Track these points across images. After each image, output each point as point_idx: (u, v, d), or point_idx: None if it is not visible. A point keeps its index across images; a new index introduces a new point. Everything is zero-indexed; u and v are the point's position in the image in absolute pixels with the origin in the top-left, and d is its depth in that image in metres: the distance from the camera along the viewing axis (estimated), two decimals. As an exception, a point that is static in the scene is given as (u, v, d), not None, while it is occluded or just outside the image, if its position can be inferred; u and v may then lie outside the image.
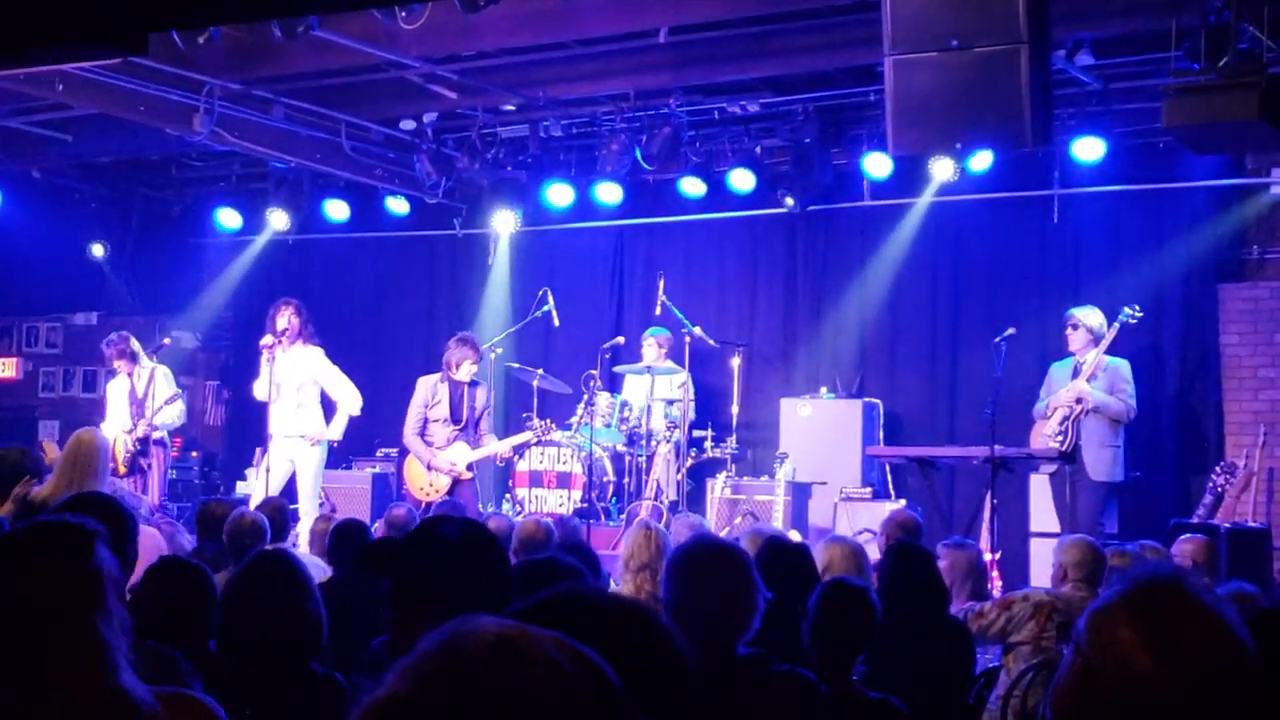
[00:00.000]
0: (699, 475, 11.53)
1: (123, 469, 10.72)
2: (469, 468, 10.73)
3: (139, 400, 11.01)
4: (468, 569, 3.06)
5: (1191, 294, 10.99)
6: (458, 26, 8.95)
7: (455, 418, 10.75)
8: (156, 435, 10.96)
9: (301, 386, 10.75)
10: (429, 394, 10.85)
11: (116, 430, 10.86)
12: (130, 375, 11.11)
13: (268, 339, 10.63)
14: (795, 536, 8.20)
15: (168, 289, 14.53)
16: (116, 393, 11.17)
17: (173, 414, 11.01)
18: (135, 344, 11.22)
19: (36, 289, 14.90)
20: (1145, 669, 1.86)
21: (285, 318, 10.70)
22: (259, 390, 10.74)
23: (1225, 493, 9.72)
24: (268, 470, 10.53)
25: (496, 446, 10.94)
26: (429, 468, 10.72)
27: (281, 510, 7.83)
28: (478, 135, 11.71)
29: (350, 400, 10.88)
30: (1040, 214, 11.33)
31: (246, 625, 3.82)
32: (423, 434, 10.81)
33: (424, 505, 10.19)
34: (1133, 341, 10.13)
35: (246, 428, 12.03)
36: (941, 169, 10.95)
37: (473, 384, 10.86)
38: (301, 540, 8.82)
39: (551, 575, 4.11)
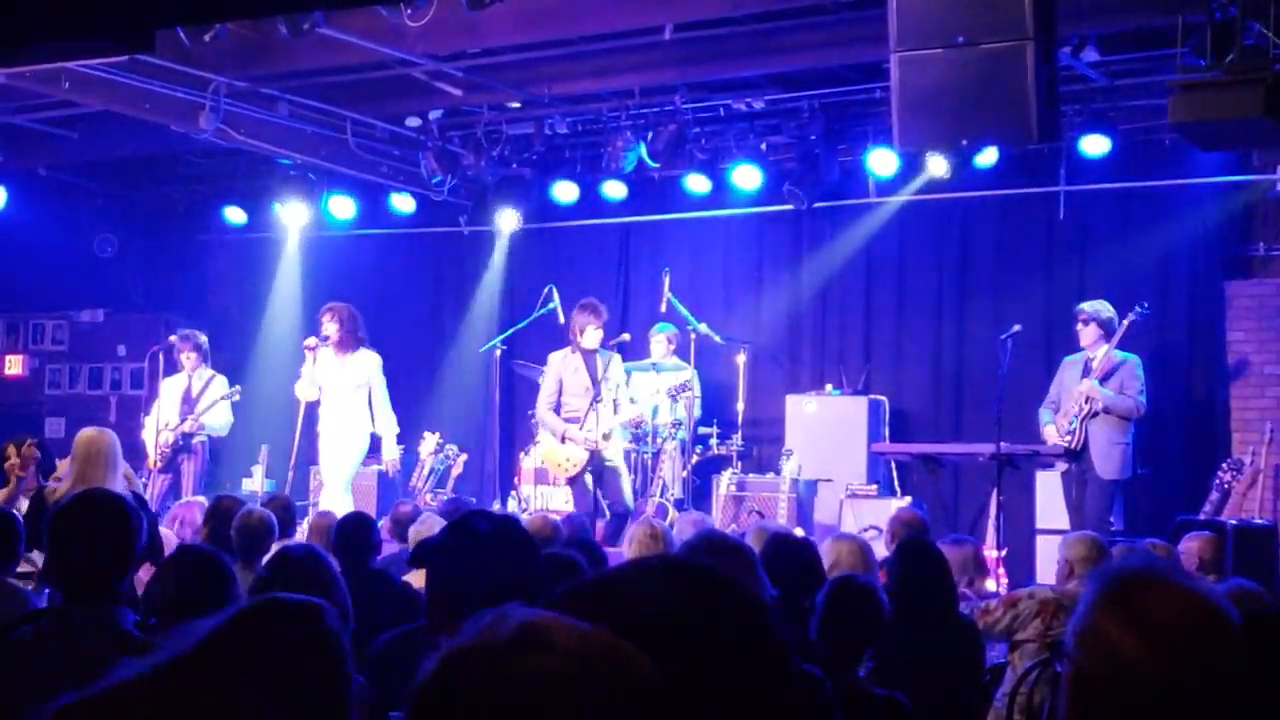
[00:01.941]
0: (704, 472, 11.53)
1: (155, 463, 10.78)
2: (605, 437, 10.42)
3: (192, 399, 11.08)
4: (496, 563, 3.16)
5: (1198, 291, 10.98)
6: (463, 24, 8.95)
7: (595, 387, 10.49)
8: (198, 438, 11.02)
9: (355, 389, 10.78)
10: (562, 366, 10.65)
11: (158, 424, 10.90)
12: (191, 374, 11.18)
13: (311, 340, 10.69)
14: (799, 533, 8.20)
15: (173, 286, 14.55)
16: (171, 389, 11.22)
17: (221, 417, 11.13)
18: (205, 343, 11.37)
19: (43, 286, 14.91)
20: (1133, 655, 1.88)
21: (323, 324, 10.72)
22: (300, 390, 10.77)
23: (1232, 490, 9.71)
24: (293, 470, 10.55)
25: (632, 411, 10.66)
26: (563, 440, 10.54)
27: (287, 507, 7.85)
28: (483, 132, 11.72)
29: (384, 425, 10.87)
30: (1046, 210, 11.32)
31: None
32: (558, 410, 10.59)
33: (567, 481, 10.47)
34: (1139, 338, 10.11)
35: (252, 425, 12.04)
36: (936, 166, 10.94)
37: (603, 352, 10.64)
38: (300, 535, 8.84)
39: (551, 571, 4.14)
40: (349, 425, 10.74)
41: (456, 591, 3.17)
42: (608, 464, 10.42)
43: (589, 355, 10.60)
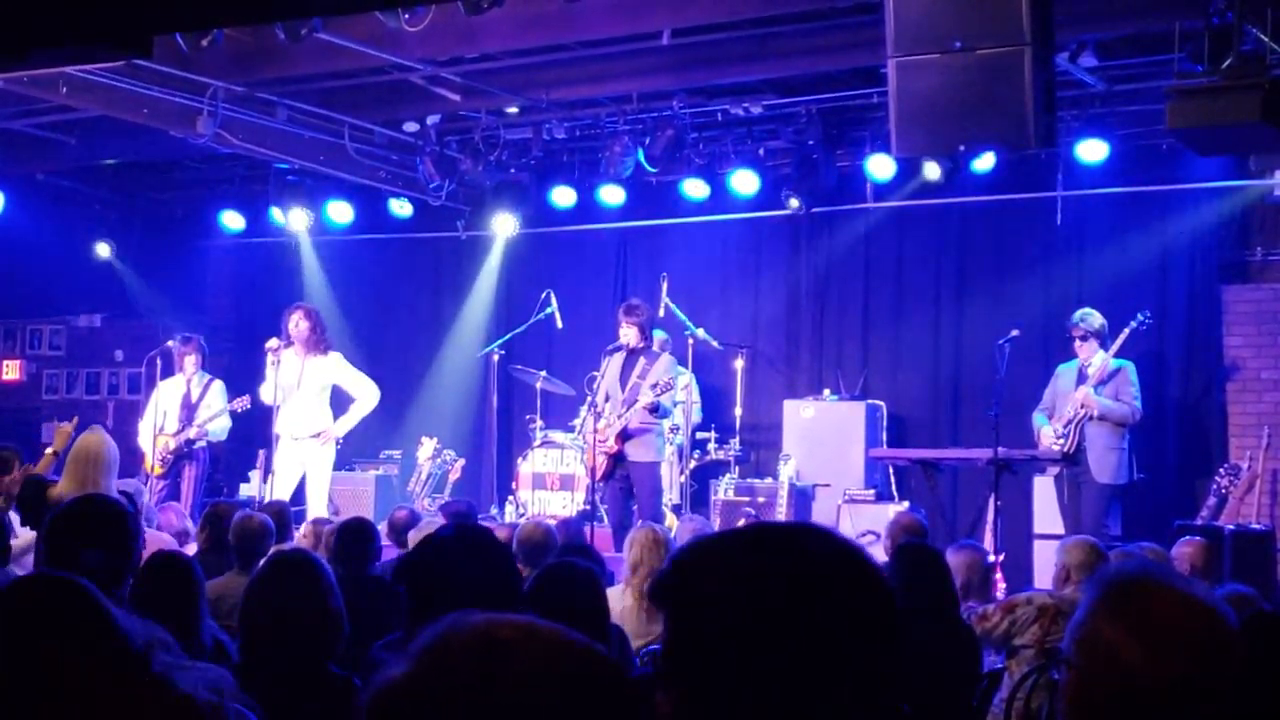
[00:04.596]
0: (702, 477, 11.54)
1: (158, 469, 10.78)
2: (622, 437, 10.13)
3: (191, 405, 11.07)
4: (463, 570, 3.21)
5: (1195, 296, 10.98)
6: (461, 29, 8.96)
7: (623, 387, 10.25)
8: (200, 444, 11.03)
9: (321, 392, 10.78)
10: (605, 368, 10.43)
11: (156, 428, 10.88)
12: (190, 378, 11.18)
13: (273, 342, 10.65)
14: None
15: (171, 291, 14.55)
16: (169, 393, 11.17)
17: (222, 421, 11.14)
18: (205, 347, 11.41)
19: (40, 291, 14.91)
20: (1136, 659, 1.89)
21: (294, 322, 10.72)
22: (265, 393, 10.76)
23: (1229, 494, 9.72)
24: (272, 472, 10.56)
25: (631, 416, 10.15)
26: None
27: (284, 512, 7.85)
28: (481, 137, 11.72)
29: (369, 396, 10.93)
30: (1043, 216, 11.33)
31: (269, 625, 3.83)
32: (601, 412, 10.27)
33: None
34: (1137, 344, 10.12)
35: (249, 430, 12.04)
36: (930, 170, 10.96)
37: (650, 353, 10.34)
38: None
39: (567, 580, 4.16)
40: (312, 429, 10.74)
41: (432, 603, 3.21)
42: (634, 466, 10.20)
43: (631, 356, 10.35)
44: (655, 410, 10.09)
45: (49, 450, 7.93)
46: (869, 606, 1.55)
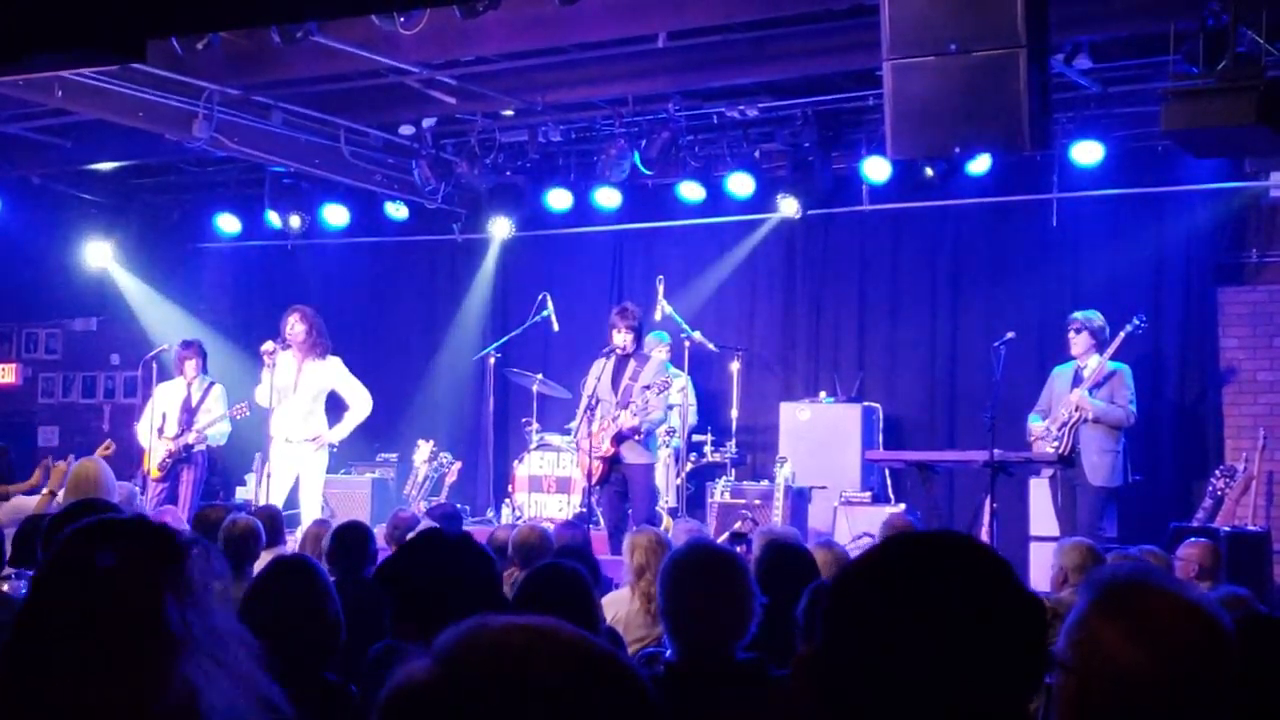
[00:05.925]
0: (699, 479, 11.53)
1: (156, 473, 10.78)
2: (617, 440, 10.13)
3: (191, 409, 11.06)
4: (441, 573, 3.24)
5: (1191, 298, 10.99)
6: (457, 32, 8.96)
7: (615, 390, 10.21)
8: (199, 448, 11.02)
9: (317, 396, 10.78)
10: (596, 372, 10.43)
11: (156, 429, 10.86)
12: (190, 382, 11.16)
13: (268, 345, 10.66)
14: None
15: (167, 294, 14.52)
16: (168, 397, 11.16)
17: (224, 429, 11.16)
18: (205, 351, 11.43)
19: (36, 295, 14.89)
20: (1135, 661, 1.89)
21: (291, 324, 10.73)
22: (259, 396, 10.76)
23: (1225, 496, 9.72)
24: (269, 475, 10.55)
25: (626, 419, 10.11)
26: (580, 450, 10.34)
27: (276, 516, 7.83)
28: (477, 140, 11.71)
29: (363, 405, 10.95)
30: (1039, 218, 11.34)
31: (265, 631, 3.81)
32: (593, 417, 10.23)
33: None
34: (1133, 346, 10.12)
35: (245, 433, 12.02)
36: (928, 173, 10.97)
37: (640, 356, 10.38)
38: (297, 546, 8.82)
39: (554, 582, 4.15)
40: (307, 433, 10.73)
41: (416, 605, 3.24)
42: (629, 468, 10.20)
43: (622, 360, 10.36)
44: (638, 432, 10.10)
45: (45, 490, 7.91)
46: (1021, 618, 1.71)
